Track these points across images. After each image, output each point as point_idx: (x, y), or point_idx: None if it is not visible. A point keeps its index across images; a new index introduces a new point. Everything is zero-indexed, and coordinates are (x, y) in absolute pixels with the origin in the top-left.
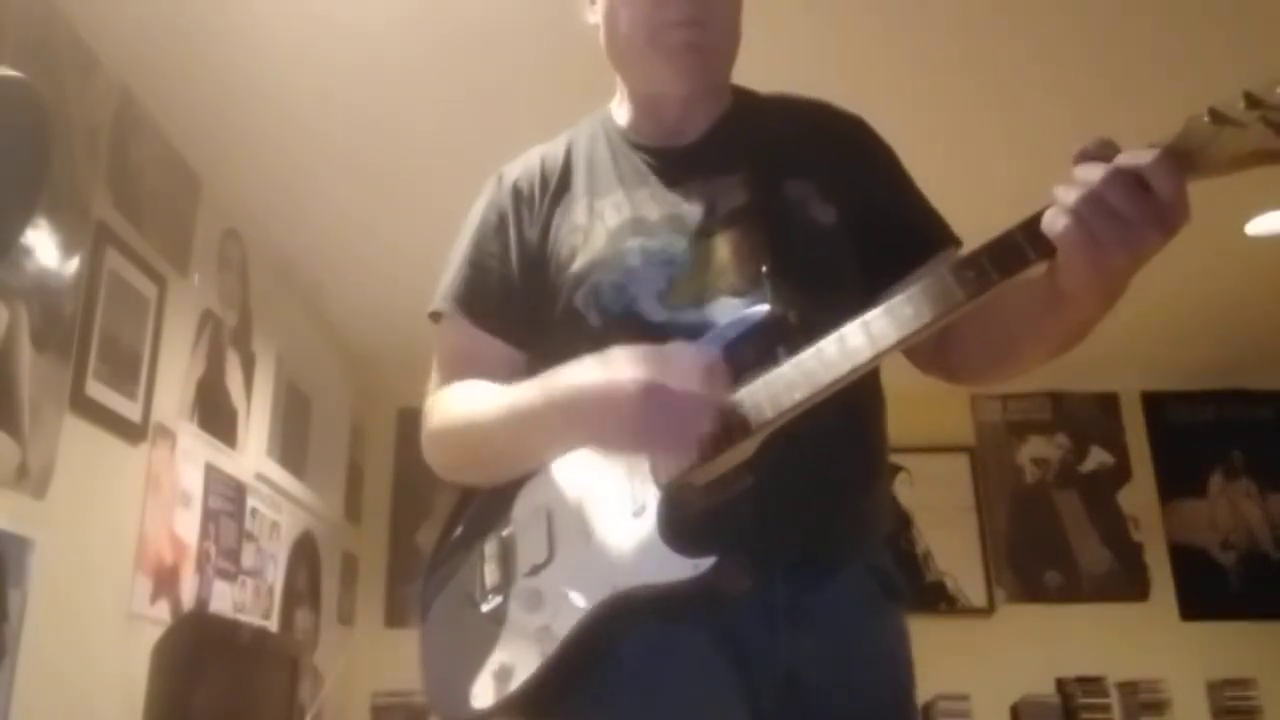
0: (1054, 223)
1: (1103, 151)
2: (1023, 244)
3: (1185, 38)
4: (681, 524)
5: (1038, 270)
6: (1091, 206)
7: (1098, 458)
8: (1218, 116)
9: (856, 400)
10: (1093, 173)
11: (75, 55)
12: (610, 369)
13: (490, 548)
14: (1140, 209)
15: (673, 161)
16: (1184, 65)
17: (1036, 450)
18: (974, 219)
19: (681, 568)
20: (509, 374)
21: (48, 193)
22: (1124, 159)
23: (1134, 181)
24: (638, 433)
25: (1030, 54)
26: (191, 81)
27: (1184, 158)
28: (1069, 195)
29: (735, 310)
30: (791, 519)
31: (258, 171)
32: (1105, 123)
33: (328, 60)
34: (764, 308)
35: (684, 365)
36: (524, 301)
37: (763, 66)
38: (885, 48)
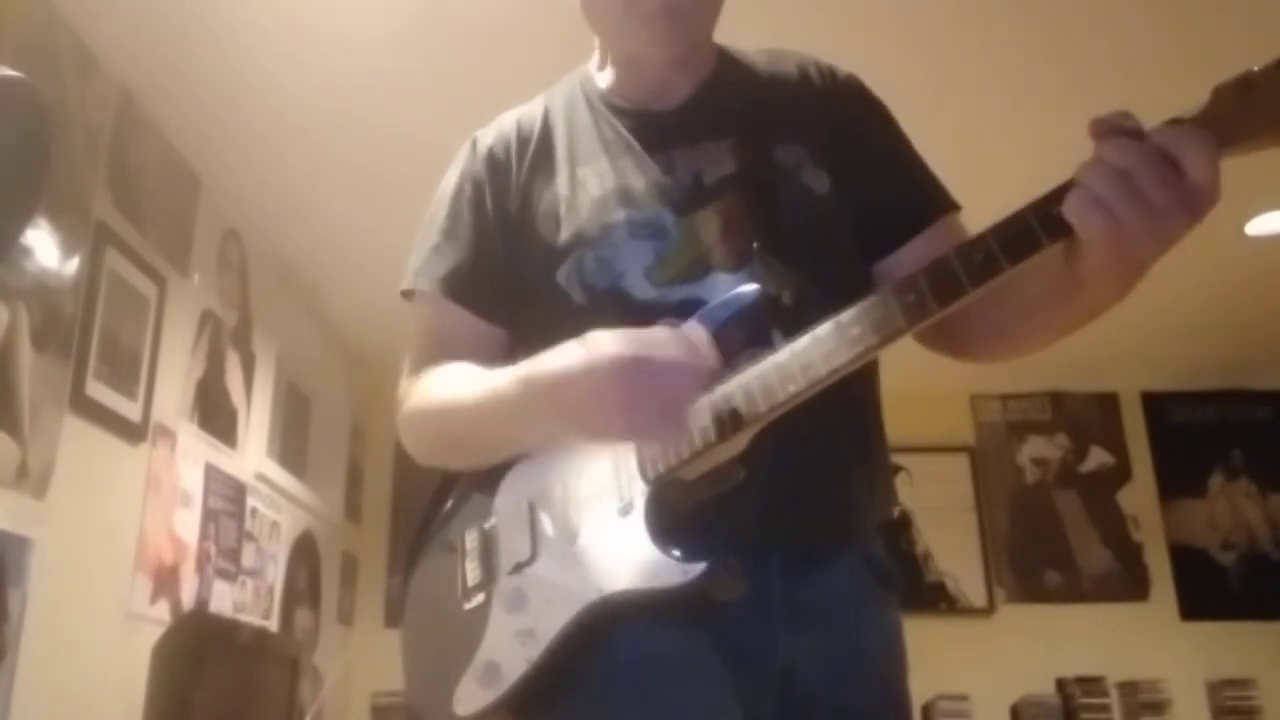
0: (1079, 210)
1: (1122, 124)
2: (1035, 228)
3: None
4: (671, 524)
5: (1048, 253)
6: (1123, 194)
7: (1098, 458)
8: (1246, 84)
9: (852, 387)
10: (1123, 155)
11: (75, 55)
12: (590, 350)
13: (471, 540)
14: (1173, 195)
15: (657, 127)
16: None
17: (1036, 450)
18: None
19: (672, 573)
20: (490, 353)
21: (48, 193)
22: (1157, 137)
23: (1168, 164)
24: (622, 409)
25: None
26: (191, 82)
27: (1215, 132)
28: (1096, 180)
29: (726, 288)
30: (787, 513)
31: (258, 171)
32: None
33: (328, 61)
34: (755, 287)
35: (667, 340)
36: (502, 275)
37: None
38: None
